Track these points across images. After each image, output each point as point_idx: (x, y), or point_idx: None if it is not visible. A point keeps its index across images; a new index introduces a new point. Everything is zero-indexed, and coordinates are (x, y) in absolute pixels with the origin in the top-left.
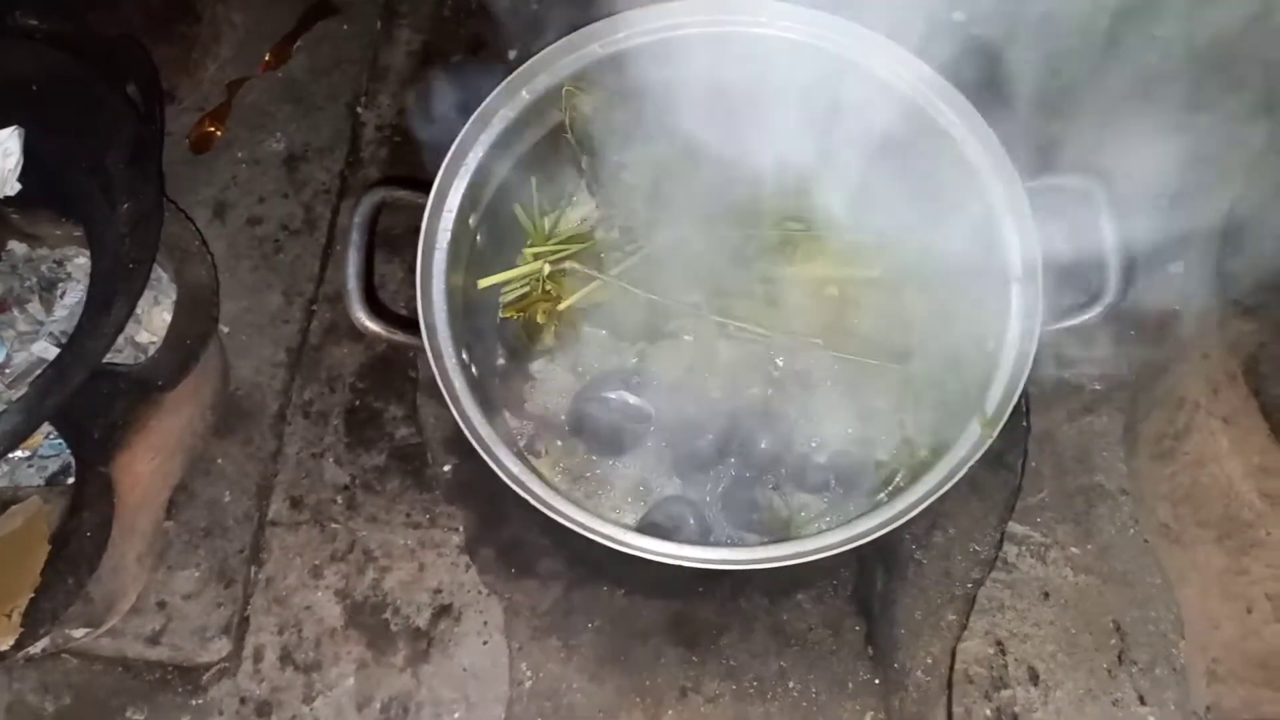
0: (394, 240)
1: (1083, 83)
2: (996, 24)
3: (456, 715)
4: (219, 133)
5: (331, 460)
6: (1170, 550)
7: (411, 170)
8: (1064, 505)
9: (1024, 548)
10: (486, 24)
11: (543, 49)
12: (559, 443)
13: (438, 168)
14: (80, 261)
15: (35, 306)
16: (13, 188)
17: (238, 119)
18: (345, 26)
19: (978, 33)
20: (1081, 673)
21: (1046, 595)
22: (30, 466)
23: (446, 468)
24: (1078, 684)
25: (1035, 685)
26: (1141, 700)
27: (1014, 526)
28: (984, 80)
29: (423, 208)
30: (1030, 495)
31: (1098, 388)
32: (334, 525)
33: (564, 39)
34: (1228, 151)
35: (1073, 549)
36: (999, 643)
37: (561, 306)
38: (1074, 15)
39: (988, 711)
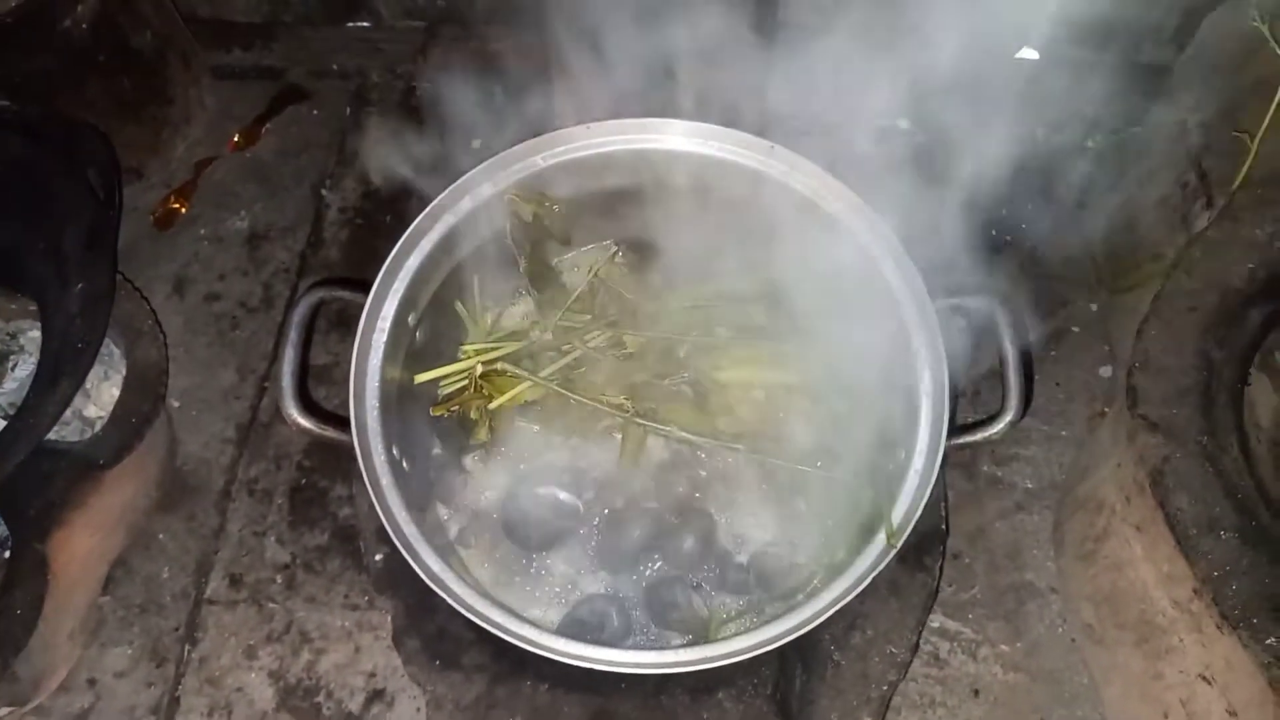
0: (350, 320)
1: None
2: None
3: None
4: (184, 209)
5: (274, 539)
6: (1095, 650)
7: (370, 252)
8: (995, 602)
9: (955, 644)
10: (452, 117)
11: (503, 146)
12: (489, 536)
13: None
14: (33, 335)
15: None
16: None
17: (203, 197)
18: (315, 111)
19: (920, 140)
20: None
21: (976, 693)
22: None
23: (378, 557)
24: None
25: None
26: None
27: (946, 623)
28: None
29: (362, 306)
30: (963, 591)
31: (1030, 486)
32: (272, 605)
33: (506, 151)
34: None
35: (1003, 646)
36: None
37: (493, 406)
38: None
39: None
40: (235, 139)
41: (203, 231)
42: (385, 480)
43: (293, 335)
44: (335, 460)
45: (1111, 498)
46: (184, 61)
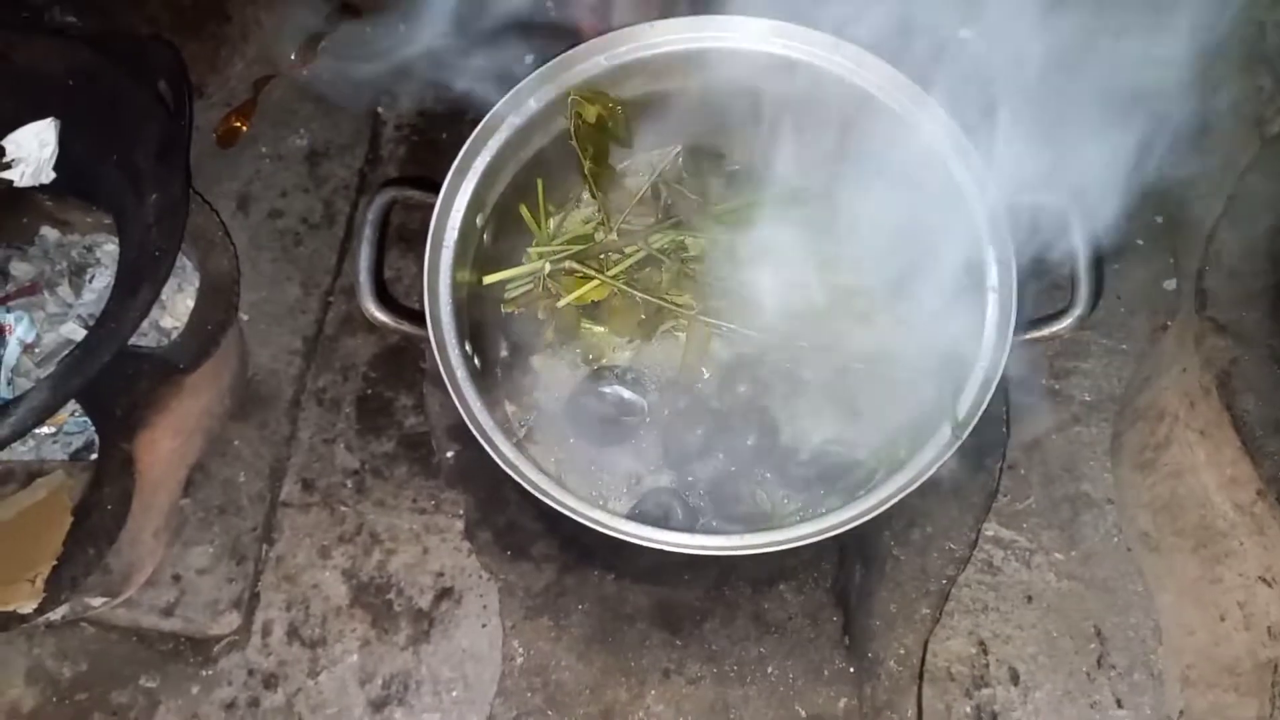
0: (411, 237)
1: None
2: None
3: (454, 694)
4: (245, 128)
5: (343, 446)
6: (1150, 558)
7: (427, 169)
8: (1050, 512)
9: (1010, 552)
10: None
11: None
12: (556, 433)
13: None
14: (109, 248)
15: (65, 290)
16: (48, 176)
17: (263, 116)
18: (369, 28)
19: (980, 50)
20: (1061, 675)
21: (1030, 599)
22: (55, 442)
23: (449, 454)
24: (1056, 685)
25: (1015, 685)
26: (1119, 704)
27: (1001, 531)
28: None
29: (432, 207)
30: (1018, 501)
31: (1088, 399)
32: (343, 508)
33: (569, 51)
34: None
35: (1057, 555)
36: (981, 643)
37: (560, 304)
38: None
39: (968, 709)
40: (292, 57)
41: (264, 149)
42: (460, 373)
43: (367, 232)
44: (400, 371)
45: (1174, 405)
46: None
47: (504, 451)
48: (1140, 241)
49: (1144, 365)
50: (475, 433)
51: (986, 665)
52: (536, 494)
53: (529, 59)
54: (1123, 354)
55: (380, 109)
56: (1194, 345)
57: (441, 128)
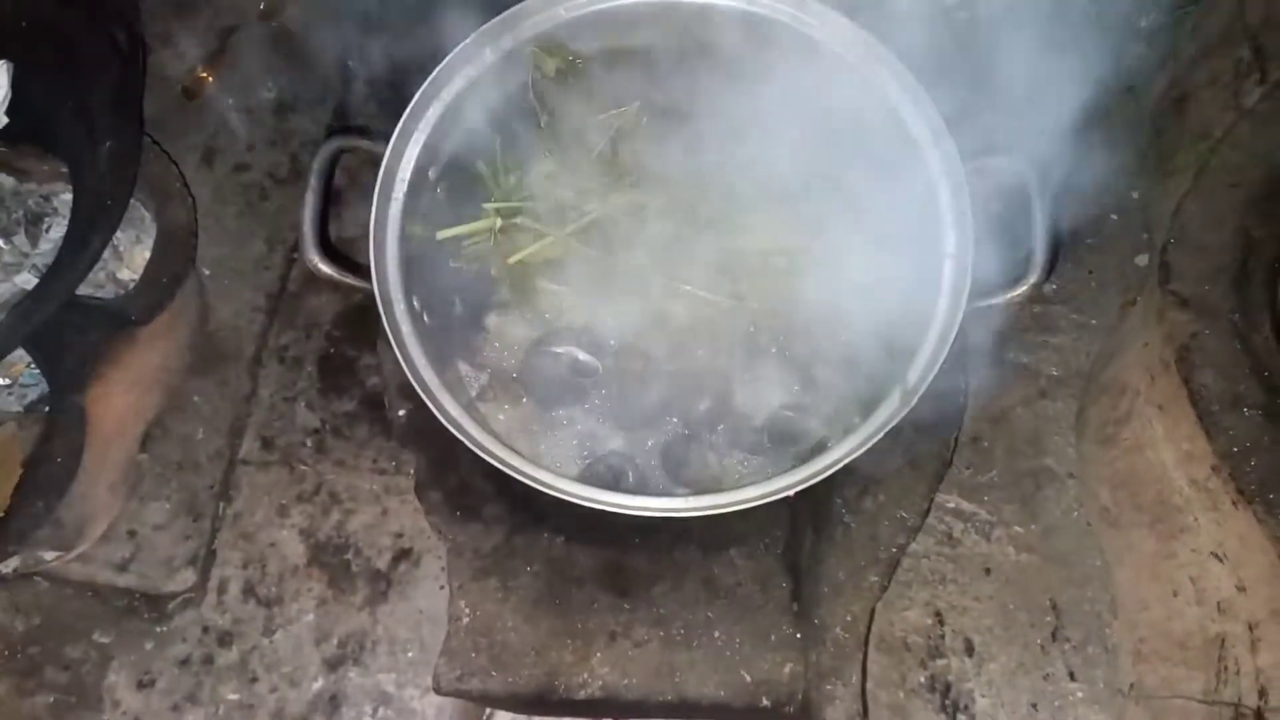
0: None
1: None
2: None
3: (410, 655)
4: (211, 79)
5: (304, 404)
6: (1109, 533)
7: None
8: (1012, 485)
9: (970, 524)
10: None
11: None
12: (509, 393)
13: None
14: (66, 198)
15: (20, 239)
16: (0, 121)
17: (230, 68)
18: None
19: (967, 18)
20: (1016, 647)
21: (988, 571)
22: (10, 395)
23: (401, 412)
24: (1011, 657)
25: (970, 656)
26: (1071, 676)
27: (962, 504)
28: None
29: (380, 157)
30: (980, 474)
31: (1055, 373)
32: (303, 467)
33: (526, 1)
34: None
35: (1017, 528)
36: (938, 614)
37: (512, 260)
38: None
39: (922, 678)
40: (261, 8)
41: (230, 102)
42: (406, 329)
43: (313, 182)
44: (363, 330)
45: (1136, 379)
46: None
47: (448, 410)
48: (1114, 216)
49: (1111, 340)
50: (420, 391)
51: (942, 636)
52: (483, 454)
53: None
54: (1092, 329)
55: (350, 62)
56: (1155, 319)
57: (413, 83)
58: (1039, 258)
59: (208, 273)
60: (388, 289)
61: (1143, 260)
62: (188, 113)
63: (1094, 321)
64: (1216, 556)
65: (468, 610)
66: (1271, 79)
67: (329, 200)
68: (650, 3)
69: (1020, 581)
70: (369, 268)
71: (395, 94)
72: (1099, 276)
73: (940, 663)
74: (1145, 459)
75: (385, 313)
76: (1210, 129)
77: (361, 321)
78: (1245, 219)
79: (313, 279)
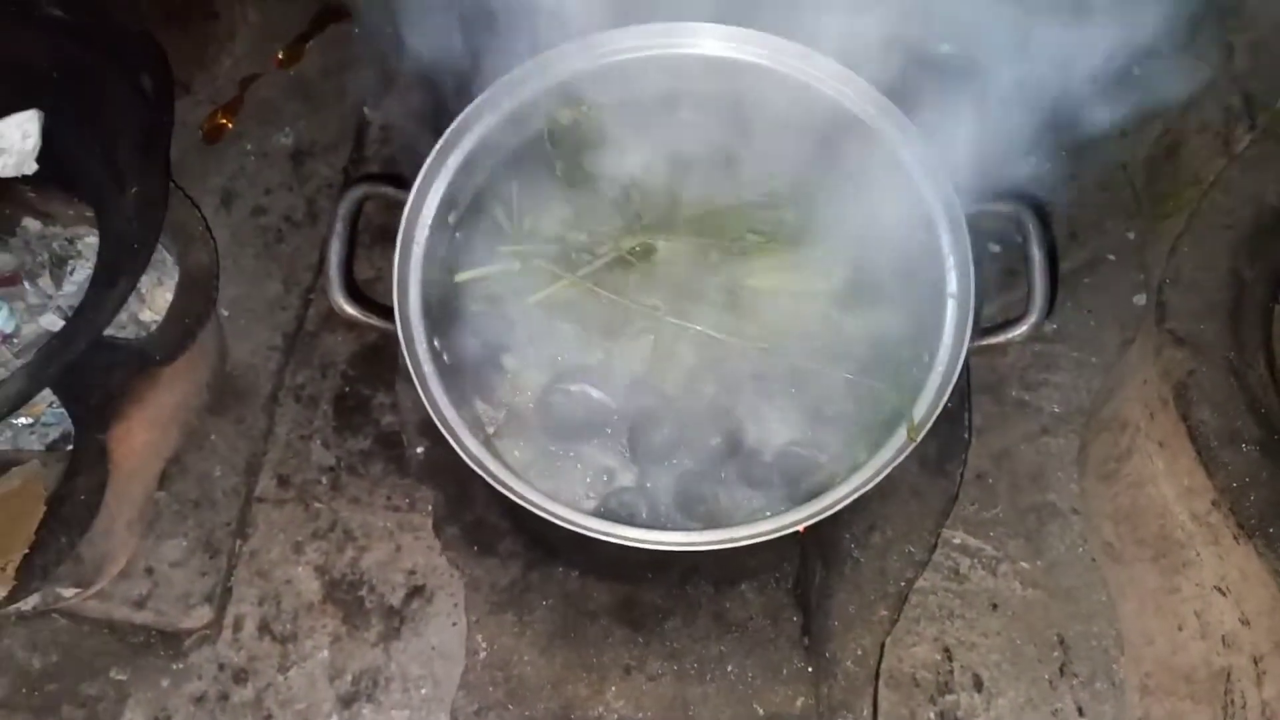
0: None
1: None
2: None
3: (423, 691)
4: (230, 125)
5: (319, 442)
6: (1113, 568)
7: (412, 169)
8: (1017, 521)
9: (976, 560)
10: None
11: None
12: (525, 431)
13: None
14: (90, 240)
15: (45, 281)
16: (30, 168)
17: (249, 113)
18: (357, 30)
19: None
20: (1024, 682)
21: (995, 606)
22: (32, 433)
23: (419, 449)
24: (1019, 693)
25: (979, 692)
26: (1080, 711)
27: (968, 539)
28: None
29: (403, 203)
30: (985, 510)
31: (1057, 410)
32: (318, 504)
33: (545, 53)
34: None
35: (1023, 564)
36: (946, 649)
37: (531, 301)
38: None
39: (931, 715)
40: (279, 56)
41: (249, 147)
42: (428, 369)
43: (338, 227)
44: (378, 370)
45: (1136, 415)
46: None
47: (470, 448)
48: (1111, 257)
49: (1110, 377)
50: (442, 429)
51: (951, 672)
52: (501, 489)
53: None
54: (1092, 367)
55: (366, 109)
56: (1153, 357)
57: (426, 128)
58: (1038, 299)
59: (225, 313)
60: (410, 330)
61: (1140, 300)
62: (206, 156)
63: (1094, 359)
64: (1219, 590)
65: (485, 644)
66: (1260, 125)
67: (353, 245)
68: (661, 55)
69: (1027, 617)
70: (390, 309)
71: (409, 139)
72: (1097, 316)
73: (949, 698)
74: (1147, 494)
75: (408, 353)
76: (1201, 174)
77: (376, 361)
78: (1236, 260)
79: (328, 319)
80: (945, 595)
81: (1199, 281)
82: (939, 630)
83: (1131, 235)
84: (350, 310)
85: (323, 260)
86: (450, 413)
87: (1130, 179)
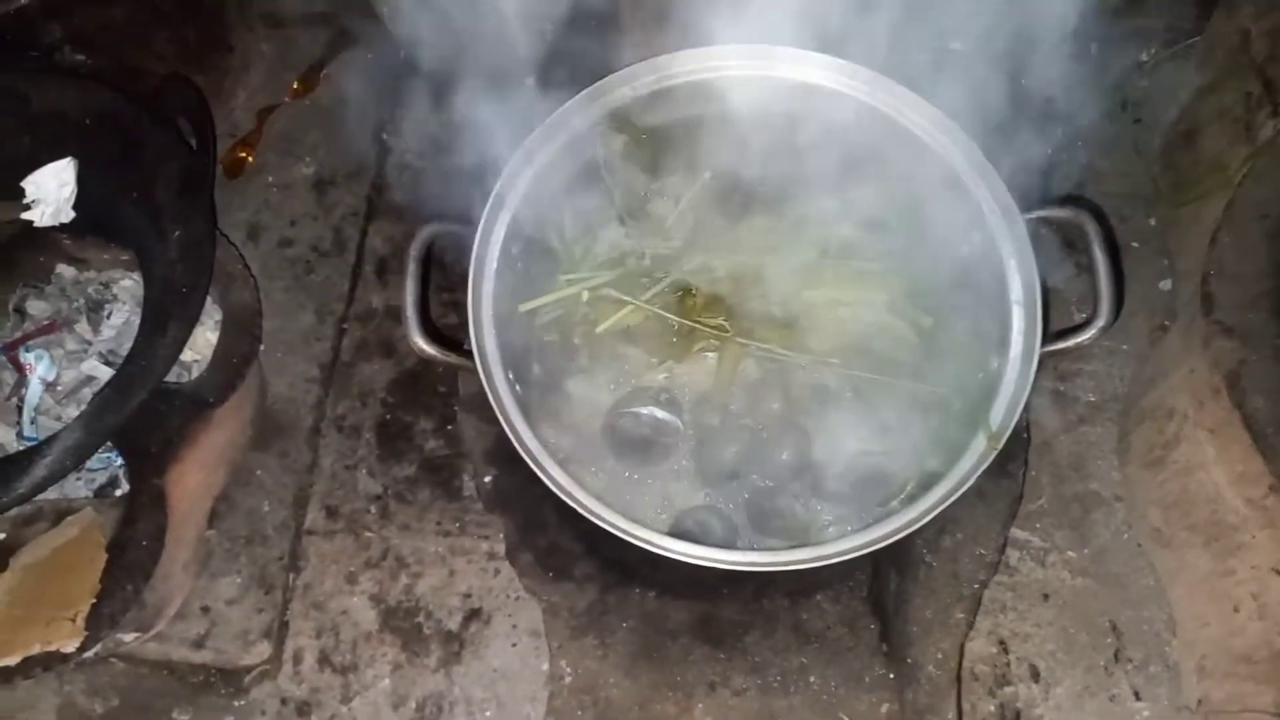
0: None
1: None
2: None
3: (488, 714)
4: (250, 158)
5: (364, 471)
6: (1161, 553)
7: (434, 194)
8: (1061, 511)
9: (1025, 552)
10: (505, 56)
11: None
12: (592, 455)
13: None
14: (126, 284)
15: (83, 327)
16: (67, 216)
17: (268, 145)
18: (370, 55)
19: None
20: (1080, 670)
21: (1046, 597)
22: (79, 480)
23: (487, 479)
24: (1076, 681)
25: (1036, 682)
26: (1136, 696)
27: (1015, 532)
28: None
29: (468, 239)
30: (1030, 502)
31: (1092, 399)
32: (368, 534)
33: (598, 83)
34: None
35: (1070, 553)
36: (1002, 642)
37: (599, 330)
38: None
39: (992, 708)
40: (294, 86)
41: (270, 179)
42: (508, 401)
43: (412, 268)
44: (418, 395)
45: (1183, 404)
46: (240, 8)
47: (556, 477)
48: (1135, 244)
49: (1147, 366)
50: (529, 461)
51: (1008, 664)
52: (591, 517)
53: (529, 81)
54: (1124, 354)
55: (385, 135)
56: (1201, 347)
57: (446, 152)
58: (1105, 303)
59: (262, 347)
60: (489, 365)
61: (1166, 285)
62: (229, 191)
63: (1125, 347)
64: (1277, 572)
65: (569, 669)
66: None
67: (427, 284)
68: (710, 79)
69: (1078, 605)
70: (459, 342)
71: (430, 164)
72: (1126, 303)
73: (1008, 690)
74: (1197, 480)
75: (489, 388)
76: (1223, 160)
77: (415, 387)
78: (1276, 249)
79: (363, 347)
80: (997, 588)
81: (1241, 272)
82: (993, 624)
83: (1153, 222)
84: (430, 351)
85: (353, 288)
86: (534, 444)
87: (1148, 166)
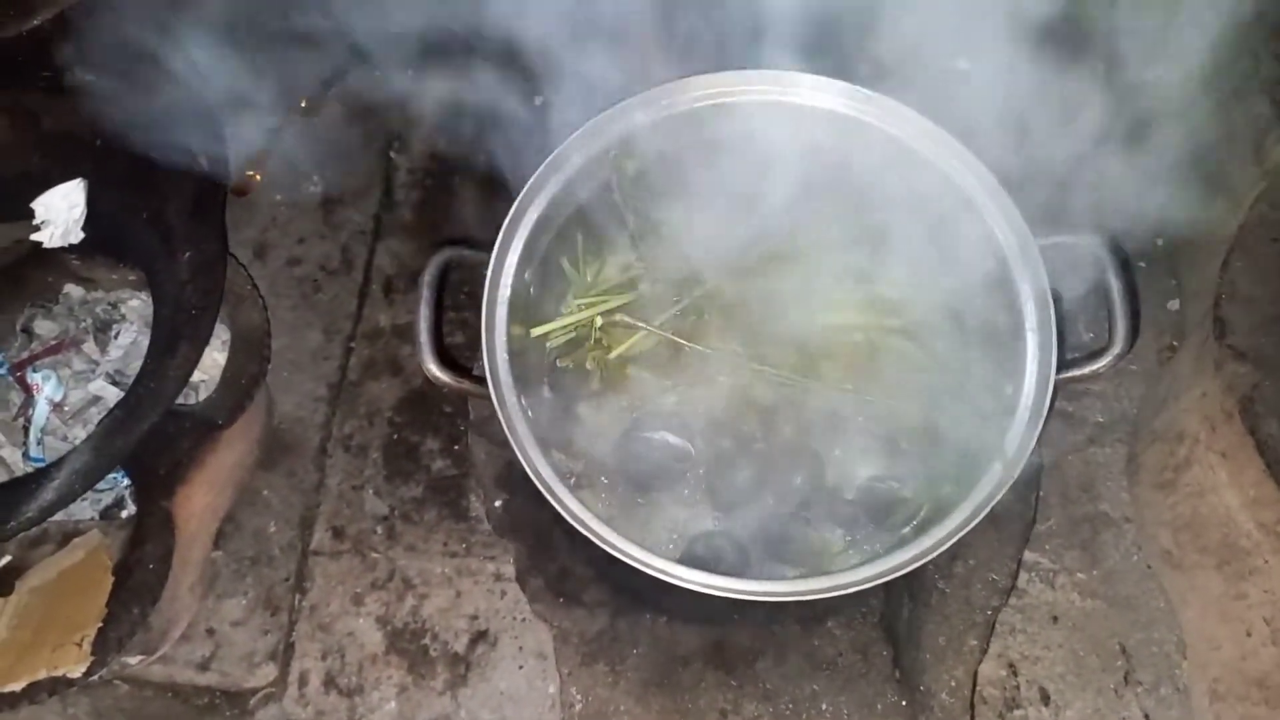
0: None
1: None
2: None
3: None
4: (258, 177)
5: (371, 492)
6: (1172, 575)
7: (442, 213)
8: (1070, 533)
9: (1034, 574)
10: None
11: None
12: (604, 480)
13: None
14: (134, 304)
15: (90, 347)
16: (77, 236)
17: (275, 163)
18: (377, 73)
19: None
20: (1090, 693)
21: (1055, 619)
22: (84, 500)
23: (497, 503)
24: (1086, 704)
25: (1046, 705)
26: (1147, 718)
27: (1025, 554)
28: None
29: (482, 265)
30: (1040, 523)
31: (1101, 419)
32: (374, 554)
33: (610, 109)
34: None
35: (1080, 574)
36: (1011, 665)
37: (612, 355)
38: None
39: None
40: (301, 104)
41: (278, 197)
42: (521, 427)
43: (425, 294)
44: (425, 415)
45: (1194, 427)
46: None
47: (568, 504)
48: (1142, 264)
49: (1159, 387)
50: (540, 486)
51: (1017, 687)
52: (601, 544)
53: (538, 100)
54: (1132, 375)
55: (392, 154)
56: (1213, 370)
57: (454, 171)
58: (1120, 330)
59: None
60: (501, 390)
61: (1174, 305)
62: (237, 210)
63: (1133, 367)
64: None
65: (579, 696)
66: None
67: (440, 309)
68: (719, 104)
69: (1088, 627)
70: (474, 371)
71: (437, 182)
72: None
73: (1018, 713)
74: (1208, 503)
75: (503, 414)
76: (1232, 183)
77: (422, 407)
78: None
79: (370, 366)
80: (1007, 610)
81: (1254, 295)
82: (1002, 646)
83: (1160, 242)
84: (444, 377)
85: (361, 307)
86: (547, 470)
87: (1152, 186)
